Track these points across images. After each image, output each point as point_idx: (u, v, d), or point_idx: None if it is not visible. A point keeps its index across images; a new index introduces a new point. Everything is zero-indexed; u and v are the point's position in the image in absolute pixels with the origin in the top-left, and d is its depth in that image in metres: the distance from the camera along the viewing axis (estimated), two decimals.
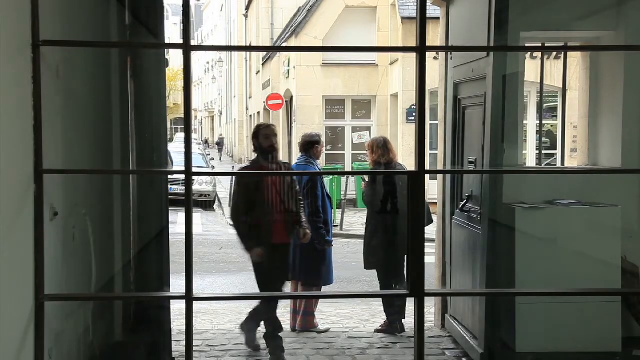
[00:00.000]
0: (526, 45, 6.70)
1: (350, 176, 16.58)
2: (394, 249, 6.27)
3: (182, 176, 3.69)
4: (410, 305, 6.15)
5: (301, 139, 6.54)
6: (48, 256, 3.48)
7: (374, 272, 6.62)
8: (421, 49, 3.71)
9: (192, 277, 3.68)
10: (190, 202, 3.84)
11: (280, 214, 5.68)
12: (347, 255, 11.26)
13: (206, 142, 54.46)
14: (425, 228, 4.71)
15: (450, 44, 6.31)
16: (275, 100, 21.89)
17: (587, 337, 5.34)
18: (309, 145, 6.35)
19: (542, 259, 5.29)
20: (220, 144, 44.37)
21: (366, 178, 7.11)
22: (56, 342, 3.77)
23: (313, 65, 20.23)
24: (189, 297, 3.70)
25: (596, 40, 6.24)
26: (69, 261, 4.01)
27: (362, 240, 6.70)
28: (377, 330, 6.40)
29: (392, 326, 6.33)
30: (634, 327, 5.68)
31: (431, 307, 6.54)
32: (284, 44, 23.10)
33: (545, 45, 7.17)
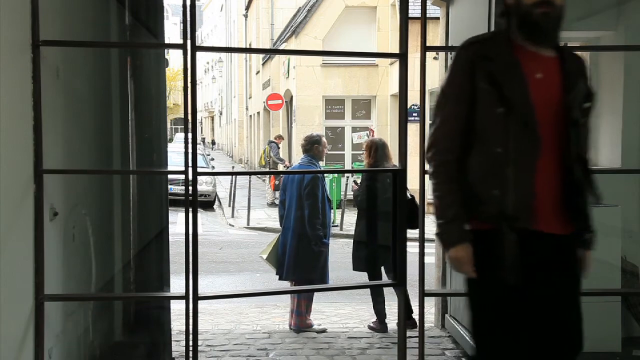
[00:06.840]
0: None
1: (350, 177, 16.59)
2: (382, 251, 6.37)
3: (182, 176, 3.69)
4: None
5: (303, 140, 6.64)
6: (48, 256, 3.49)
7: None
8: (403, 55, 3.88)
9: (198, 276, 3.69)
10: (196, 201, 3.84)
11: None
12: (347, 255, 11.15)
13: (211, 142, 54.69)
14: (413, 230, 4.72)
15: (450, 44, 6.31)
16: (275, 100, 21.89)
17: (587, 337, 5.32)
18: (311, 145, 6.46)
19: None
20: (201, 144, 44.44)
21: (357, 180, 7.18)
22: (56, 342, 3.77)
23: (313, 65, 20.22)
24: (194, 296, 3.69)
25: (596, 40, 6.23)
26: (69, 261, 4.01)
27: None
28: (369, 327, 6.44)
29: (382, 325, 6.39)
30: (634, 327, 5.67)
31: (431, 307, 6.52)
32: (284, 44, 23.09)
33: None
